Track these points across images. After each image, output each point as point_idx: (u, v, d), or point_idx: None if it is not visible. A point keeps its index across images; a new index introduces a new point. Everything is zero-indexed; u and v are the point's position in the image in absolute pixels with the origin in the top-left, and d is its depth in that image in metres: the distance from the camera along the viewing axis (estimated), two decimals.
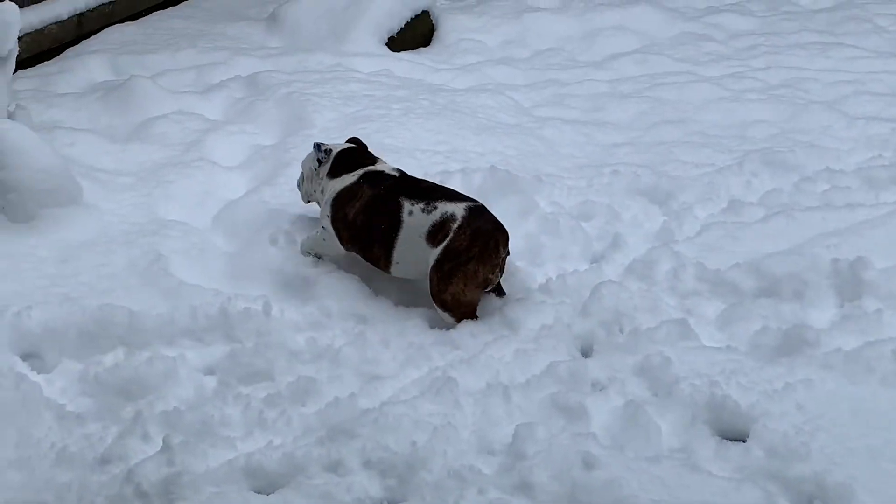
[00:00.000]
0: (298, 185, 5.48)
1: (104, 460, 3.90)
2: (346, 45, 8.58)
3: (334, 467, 3.79)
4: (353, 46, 8.56)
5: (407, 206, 4.85)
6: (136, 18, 9.27)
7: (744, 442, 3.91)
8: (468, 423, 4.01)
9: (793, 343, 4.45)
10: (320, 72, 7.82)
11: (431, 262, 4.73)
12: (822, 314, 4.78)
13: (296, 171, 5.68)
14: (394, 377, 4.38)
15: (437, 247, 4.72)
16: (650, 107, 7.52)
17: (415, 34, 9.12)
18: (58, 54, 8.38)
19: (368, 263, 5.04)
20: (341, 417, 4.03)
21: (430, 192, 4.90)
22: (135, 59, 8.15)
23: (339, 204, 5.04)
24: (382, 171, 5.10)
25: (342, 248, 5.08)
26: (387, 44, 8.84)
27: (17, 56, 6.10)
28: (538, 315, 4.73)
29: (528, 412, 4.07)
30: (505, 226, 4.81)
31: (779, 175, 6.22)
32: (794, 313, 4.77)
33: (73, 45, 8.55)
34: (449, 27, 9.29)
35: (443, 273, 4.69)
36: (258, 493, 3.75)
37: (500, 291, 4.94)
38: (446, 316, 4.74)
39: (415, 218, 4.81)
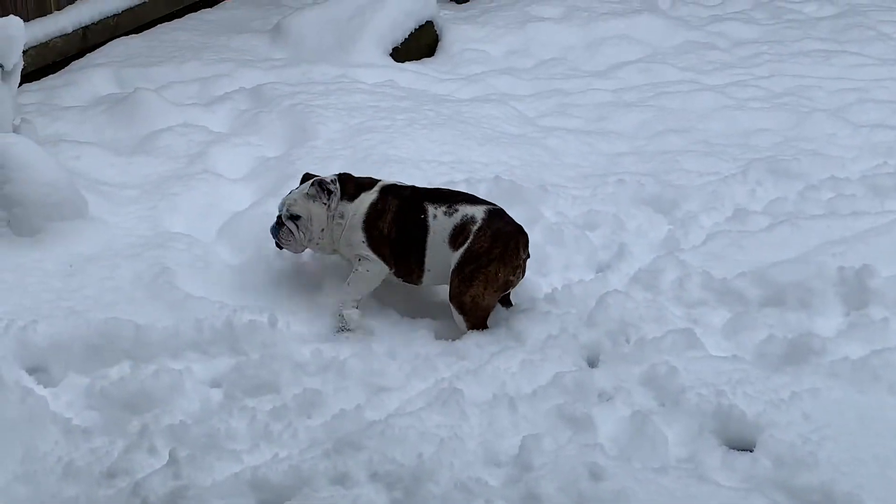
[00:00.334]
0: (274, 233, 5.03)
1: (110, 474, 3.90)
2: (351, 56, 8.59)
3: (341, 480, 3.78)
4: (358, 57, 8.57)
5: (431, 209, 4.85)
6: (141, 31, 9.28)
7: (751, 451, 3.90)
8: (474, 434, 3.99)
9: (799, 352, 4.44)
10: (325, 83, 7.82)
11: (452, 265, 4.73)
12: (828, 322, 4.77)
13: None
14: (400, 389, 4.38)
15: (457, 250, 4.74)
16: (654, 116, 7.52)
17: (419, 45, 9.13)
18: (62, 67, 8.40)
19: (399, 279, 4.96)
20: (347, 429, 4.02)
21: (450, 197, 4.92)
22: (139, 72, 8.17)
23: (370, 223, 4.93)
24: (397, 183, 5.09)
25: (388, 268, 4.94)
26: (391, 54, 8.85)
27: (22, 70, 6.13)
28: (544, 325, 4.73)
29: (534, 423, 4.06)
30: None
31: (783, 183, 6.21)
32: (801, 322, 4.76)
33: (77, 58, 8.56)
34: (453, 37, 9.30)
35: (464, 275, 4.69)
36: None
37: (507, 302, 4.94)
38: (460, 320, 4.73)
39: (439, 221, 4.82)
